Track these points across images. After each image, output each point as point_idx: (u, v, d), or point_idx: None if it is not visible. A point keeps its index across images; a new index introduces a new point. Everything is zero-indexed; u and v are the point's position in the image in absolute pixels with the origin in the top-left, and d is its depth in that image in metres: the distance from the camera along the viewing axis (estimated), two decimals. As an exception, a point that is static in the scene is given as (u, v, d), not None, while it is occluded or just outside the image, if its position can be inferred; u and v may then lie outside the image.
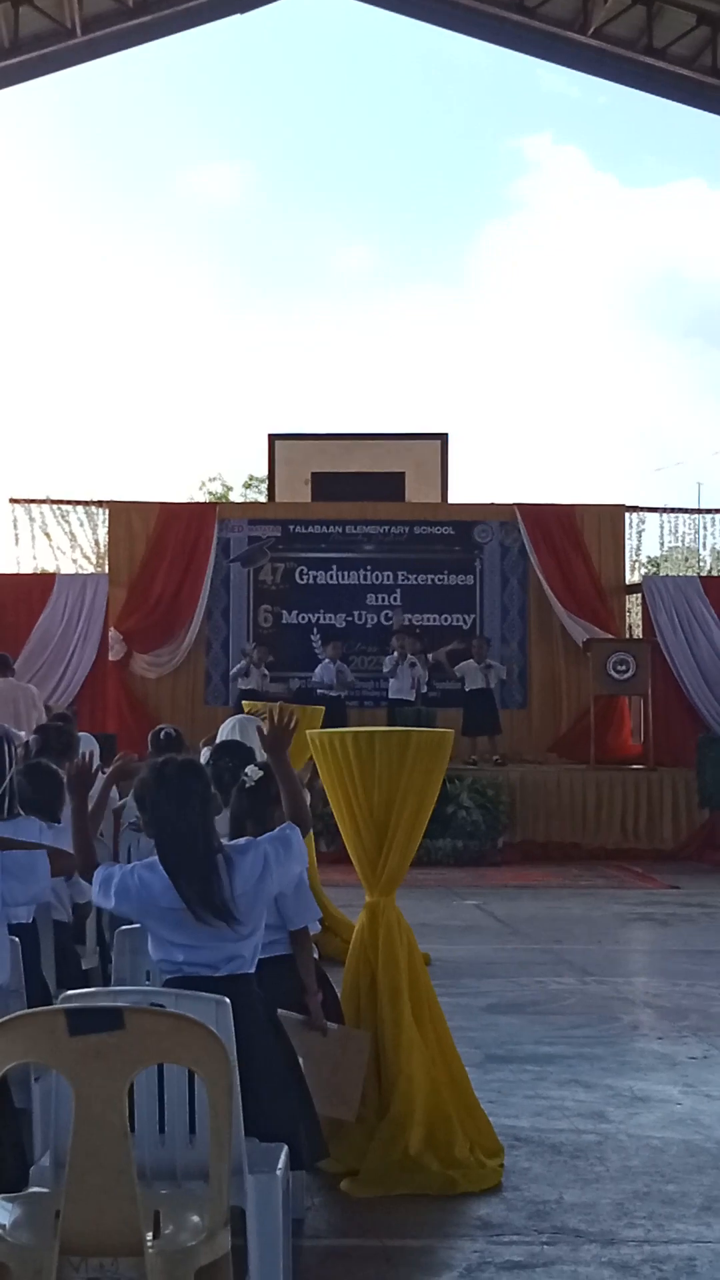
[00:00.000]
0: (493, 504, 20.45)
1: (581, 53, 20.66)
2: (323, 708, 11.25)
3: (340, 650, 18.57)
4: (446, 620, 19.66)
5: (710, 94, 20.65)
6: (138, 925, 4.93)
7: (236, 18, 21.04)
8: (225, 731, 9.66)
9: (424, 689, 18.18)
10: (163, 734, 9.79)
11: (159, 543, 19.70)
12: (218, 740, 8.57)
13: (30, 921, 5.79)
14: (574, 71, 21.78)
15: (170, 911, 4.46)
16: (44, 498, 20.43)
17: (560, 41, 20.52)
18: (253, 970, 4.58)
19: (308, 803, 6.35)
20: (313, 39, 66.19)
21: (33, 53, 19.78)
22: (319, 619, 19.74)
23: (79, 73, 21.01)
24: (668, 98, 21.37)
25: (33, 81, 20.55)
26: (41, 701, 16.44)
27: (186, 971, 4.46)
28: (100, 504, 20.41)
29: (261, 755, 5.66)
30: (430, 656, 18.32)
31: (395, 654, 17.97)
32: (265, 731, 5.14)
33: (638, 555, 21.11)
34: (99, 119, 66.09)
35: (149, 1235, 3.43)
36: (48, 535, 20.32)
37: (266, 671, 18.36)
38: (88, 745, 9.14)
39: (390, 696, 18.13)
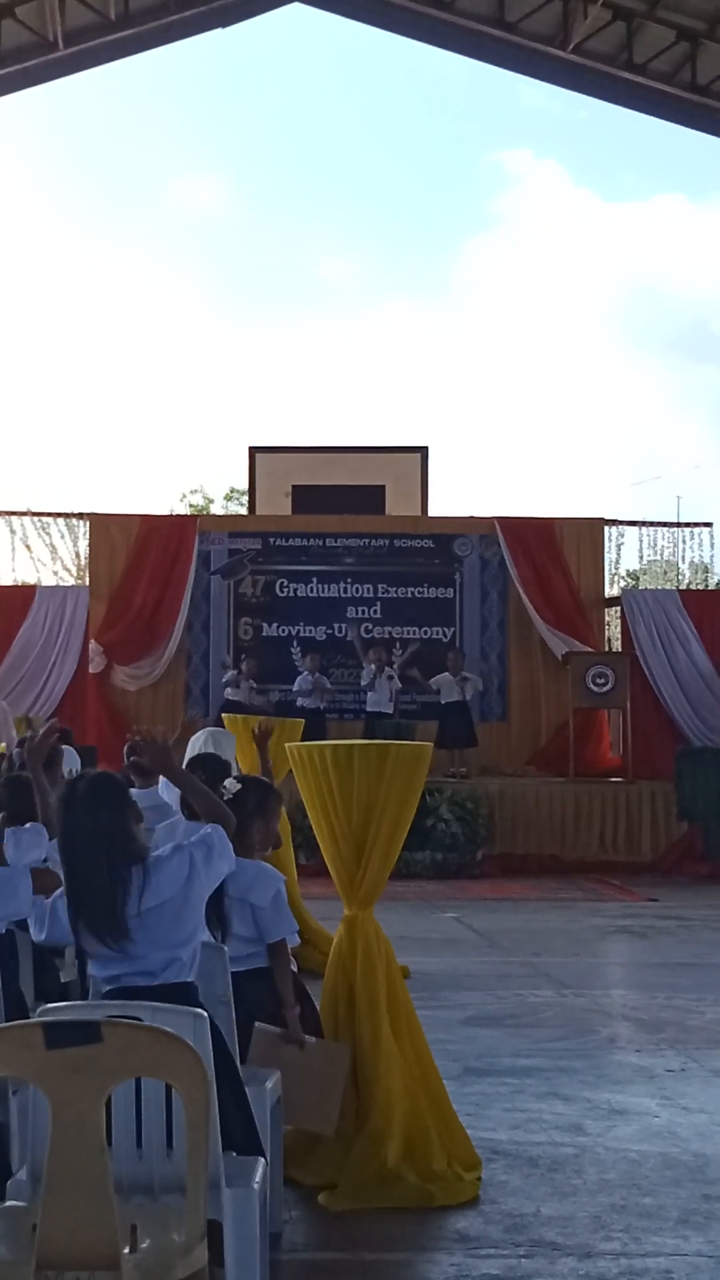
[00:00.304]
0: (473, 517, 20.52)
1: (562, 68, 20.77)
2: (302, 720, 11.28)
3: (319, 663, 18.60)
4: (426, 633, 19.69)
5: (690, 109, 20.76)
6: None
7: (220, 31, 21.14)
8: (197, 744, 9.63)
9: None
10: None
11: (140, 555, 19.71)
12: (189, 754, 8.52)
13: (6, 933, 5.78)
14: (554, 86, 21.92)
15: None
16: (25, 509, 20.47)
17: (541, 57, 20.62)
18: (192, 978, 4.55)
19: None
20: (296, 53, 66.37)
21: (14, 66, 19.81)
22: (299, 631, 19.77)
23: (66, 84, 21.13)
24: (648, 113, 21.50)
25: (19, 93, 20.62)
26: (12, 718, 16.43)
27: (124, 982, 4.44)
28: (81, 516, 20.45)
29: (237, 768, 5.65)
30: (396, 666, 18.32)
31: (373, 666, 17.99)
32: (143, 753, 5.08)
33: (617, 569, 21.21)
34: (84, 130, 66.18)
35: (126, 1249, 3.43)
36: (28, 547, 20.37)
37: (254, 684, 18.42)
38: (70, 762, 9.13)
39: (368, 709, 18.14)
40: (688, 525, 21.34)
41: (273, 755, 8.43)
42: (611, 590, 20.73)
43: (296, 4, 21.20)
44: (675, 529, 21.26)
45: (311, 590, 19.89)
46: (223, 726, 10.85)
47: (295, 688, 18.37)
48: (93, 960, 4.55)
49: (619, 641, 20.29)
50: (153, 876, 4.44)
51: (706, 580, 26.17)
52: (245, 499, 24.86)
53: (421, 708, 18.59)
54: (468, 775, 17.94)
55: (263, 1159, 4.35)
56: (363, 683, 18.18)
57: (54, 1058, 3.42)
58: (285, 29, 48.88)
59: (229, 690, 18.29)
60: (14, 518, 20.33)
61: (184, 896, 4.49)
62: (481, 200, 68.20)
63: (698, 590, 22.84)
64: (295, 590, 19.88)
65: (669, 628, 19.59)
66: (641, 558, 21.61)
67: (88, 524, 20.27)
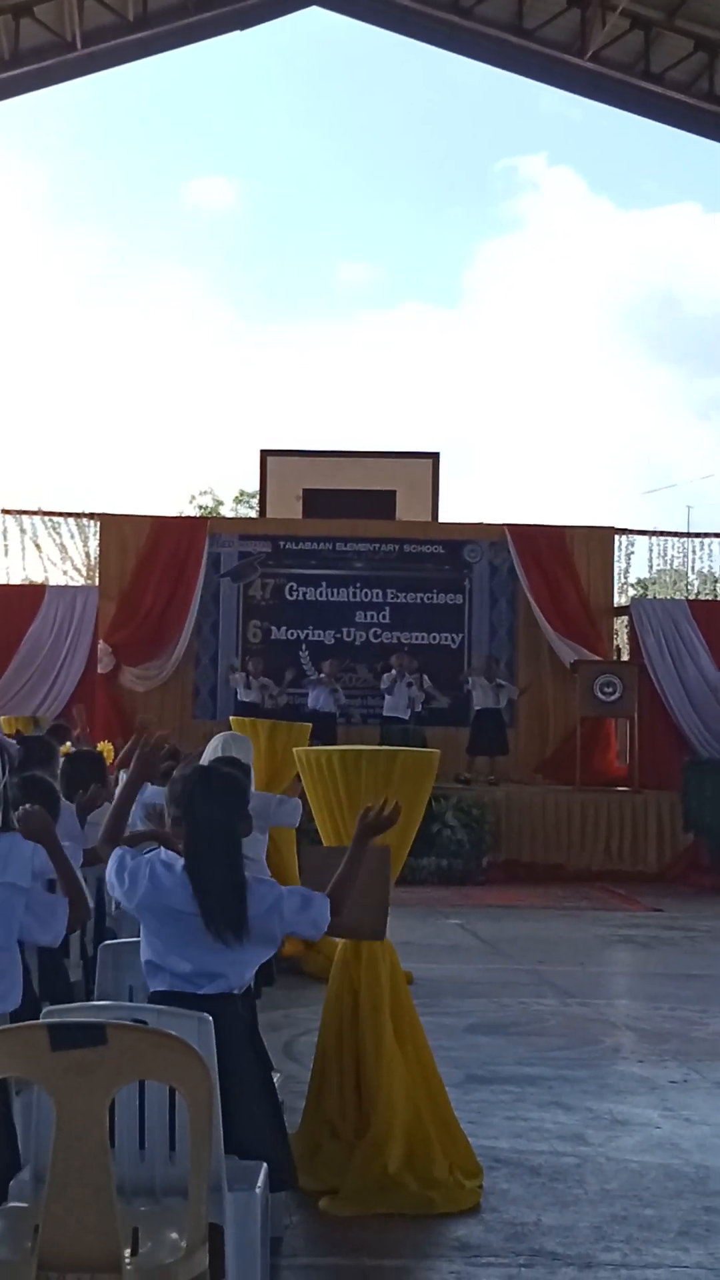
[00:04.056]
0: (483, 524, 20.46)
1: (579, 76, 20.77)
2: (309, 725, 11.25)
3: (335, 669, 18.58)
4: (435, 639, 19.68)
5: (707, 119, 20.75)
6: (123, 941, 4.91)
7: (236, 34, 21.16)
8: (213, 748, 9.57)
9: (419, 708, 18.20)
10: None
11: (150, 556, 19.70)
12: (207, 758, 8.41)
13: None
14: (571, 94, 21.89)
15: (174, 914, 4.40)
16: (35, 509, 20.49)
17: (558, 65, 20.63)
18: (239, 991, 4.51)
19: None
20: (314, 56, 66.45)
21: (32, 65, 19.83)
22: (308, 635, 19.75)
23: (82, 84, 21.18)
24: (664, 122, 21.47)
25: (36, 93, 20.66)
26: None
27: (173, 985, 4.40)
28: (92, 516, 20.45)
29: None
30: (425, 680, 18.33)
31: (394, 671, 18.02)
32: (364, 818, 4.83)
33: (626, 577, 21.19)
34: (100, 131, 66.24)
35: (127, 1252, 3.43)
36: (38, 546, 20.38)
37: (268, 682, 18.40)
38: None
39: (384, 714, 18.18)
40: (698, 535, 21.36)
41: (281, 760, 8.40)
42: (621, 599, 20.71)
43: (314, 7, 21.23)
44: (685, 539, 21.28)
45: (321, 594, 19.86)
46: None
47: (309, 698, 18.39)
48: (147, 946, 4.48)
49: (627, 651, 20.27)
50: (249, 893, 4.44)
51: (716, 591, 26.18)
52: (255, 502, 24.84)
53: (434, 714, 18.55)
54: (496, 782, 17.96)
55: (265, 1163, 4.34)
56: (383, 686, 18.20)
57: (59, 1059, 3.42)
58: (302, 32, 48.96)
59: (241, 693, 18.29)
60: (24, 517, 20.35)
61: (263, 921, 4.44)
62: (496, 205, 68.31)
63: (707, 600, 22.86)
64: (305, 594, 19.87)
65: (678, 638, 19.55)
66: (651, 567, 21.63)
67: (98, 524, 20.26)
